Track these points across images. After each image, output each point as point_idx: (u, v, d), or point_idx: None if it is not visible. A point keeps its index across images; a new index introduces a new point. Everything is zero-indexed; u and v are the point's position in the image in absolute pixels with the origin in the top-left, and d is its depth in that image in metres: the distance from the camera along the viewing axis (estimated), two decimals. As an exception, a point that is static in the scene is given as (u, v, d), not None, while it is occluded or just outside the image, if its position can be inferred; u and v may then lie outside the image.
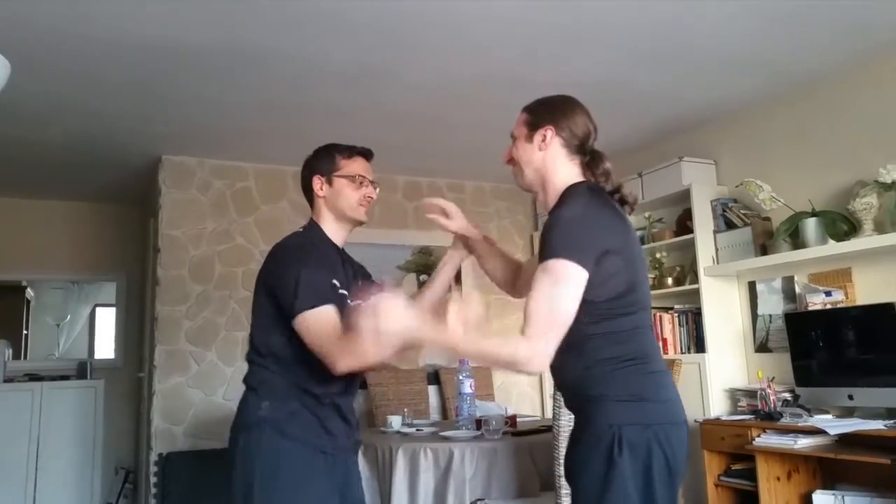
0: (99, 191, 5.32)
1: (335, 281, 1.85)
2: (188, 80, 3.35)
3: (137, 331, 5.49)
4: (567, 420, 2.69)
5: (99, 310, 6.44)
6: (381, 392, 4.39)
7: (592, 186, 1.65)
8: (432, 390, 4.70)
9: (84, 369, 5.22)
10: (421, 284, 5.08)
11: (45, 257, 5.42)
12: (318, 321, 1.73)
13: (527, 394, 5.28)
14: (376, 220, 4.66)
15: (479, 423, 3.24)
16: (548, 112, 1.69)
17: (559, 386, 1.70)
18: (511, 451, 2.93)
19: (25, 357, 5.64)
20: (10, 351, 5.20)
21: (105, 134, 4.07)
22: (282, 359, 1.81)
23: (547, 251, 1.52)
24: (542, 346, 1.47)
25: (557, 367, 1.64)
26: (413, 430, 3.31)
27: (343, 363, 1.68)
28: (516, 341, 1.49)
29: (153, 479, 4.06)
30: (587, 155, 1.69)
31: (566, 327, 1.49)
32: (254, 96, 3.59)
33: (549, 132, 1.66)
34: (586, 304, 1.53)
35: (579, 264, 1.48)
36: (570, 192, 1.64)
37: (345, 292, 1.89)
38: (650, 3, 2.80)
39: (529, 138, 1.69)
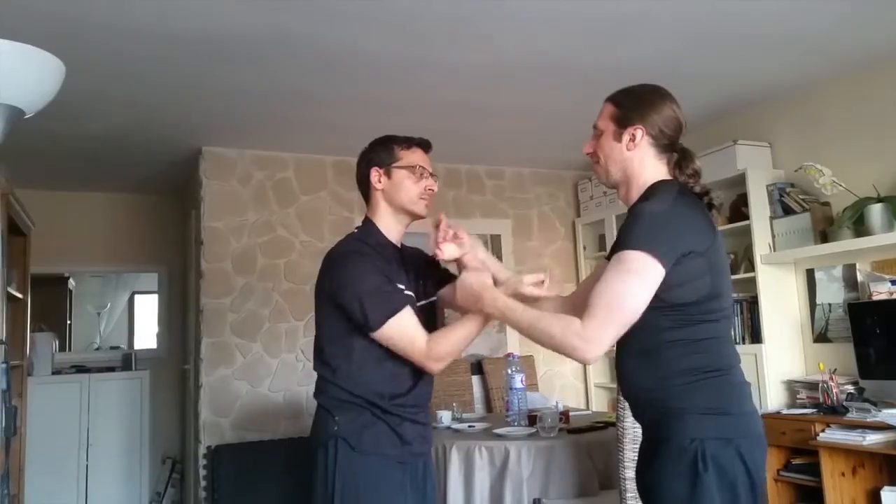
0: (139, 183, 5.33)
1: (399, 284, 1.79)
2: (228, 71, 3.29)
3: (180, 322, 5.52)
4: (631, 423, 2.63)
5: (137, 297, 6.51)
6: (425, 383, 4.35)
7: (681, 185, 1.56)
8: (476, 381, 4.66)
9: (129, 360, 5.28)
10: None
11: (87, 249, 5.45)
12: (401, 328, 1.70)
13: (571, 385, 5.21)
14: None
15: (531, 419, 3.19)
16: (637, 107, 1.58)
17: (628, 395, 1.60)
18: (568, 449, 2.87)
19: (70, 348, 5.71)
20: (57, 343, 5.26)
21: (145, 126, 4.04)
22: (349, 370, 1.77)
23: (624, 241, 1.45)
24: (597, 334, 1.40)
25: (628, 375, 1.58)
26: (465, 426, 3.27)
27: (435, 364, 1.71)
28: (572, 323, 1.42)
29: (202, 472, 4.08)
30: (676, 153, 1.59)
31: (629, 322, 1.42)
32: (292, 86, 3.52)
33: (640, 132, 1.56)
34: (666, 306, 1.45)
35: (657, 259, 1.40)
36: (658, 187, 1.55)
37: (410, 293, 1.83)
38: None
39: (617, 136, 1.59)
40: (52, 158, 4.59)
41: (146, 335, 6.01)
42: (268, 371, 4.43)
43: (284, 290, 4.52)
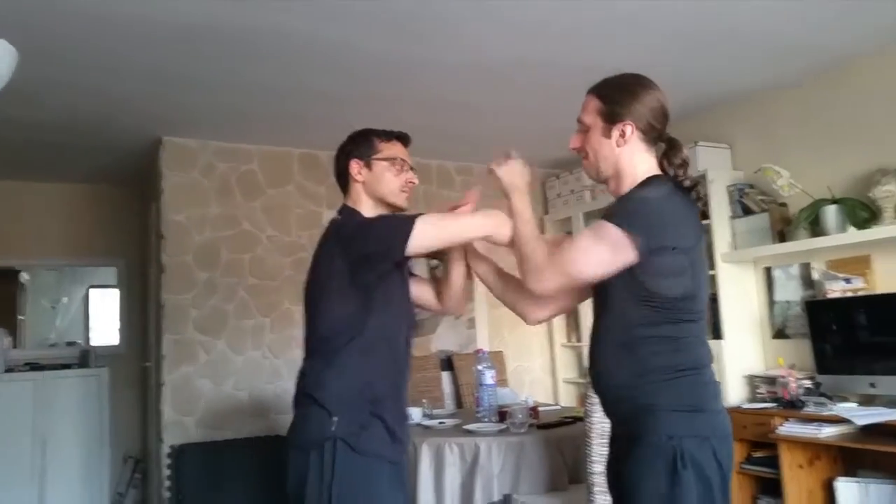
0: (97, 173, 5.17)
1: None
2: (192, 61, 3.21)
3: (140, 318, 5.40)
4: (599, 418, 2.68)
5: (93, 291, 6.33)
6: (393, 379, 4.35)
7: (674, 181, 1.56)
8: (445, 377, 4.68)
9: (87, 357, 5.13)
10: (431, 268, 5.06)
11: (41, 242, 5.28)
12: (437, 221, 1.80)
13: (540, 380, 5.27)
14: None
15: (501, 415, 3.22)
16: (624, 102, 1.57)
17: (601, 391, 1.61)
18: (538, 444, 2.92)
19: (23, 344, 5.52)
20: (9, 339, 5.08)
21: (103, 114, 3.91)
22: (353, 360, 1.72)
23: (609, 215, 1.48)
24: (549, 275, 1.52)
25: (603, 369, 1.58)
26: (435, 422, 3.28)
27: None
28: (544, 253, 1.56)
29: (166, 472, 4.01)
30: (664, 142, 1.60)
31: (576, 279, 1.52)
32: (257, 78, 3.46)
33: (630, 128, 1.56)
34: (650, 297, 1.47)
35: (631, 241, 1.43)
36: (652, 181, 1.56)
37: None
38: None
39: (606, 132, 1.58)
40: (2, 147, 4.42)
41: (103, 331, 5.86)
42: (232, 369, 4.36)
43: (250, 285, 4.45)
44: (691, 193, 1.56)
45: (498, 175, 1.74)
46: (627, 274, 1.48)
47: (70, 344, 5.67)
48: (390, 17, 2.87)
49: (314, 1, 2.70)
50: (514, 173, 1.74)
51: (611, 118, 1.58)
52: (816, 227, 3.53)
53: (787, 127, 3.88)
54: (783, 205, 3.82)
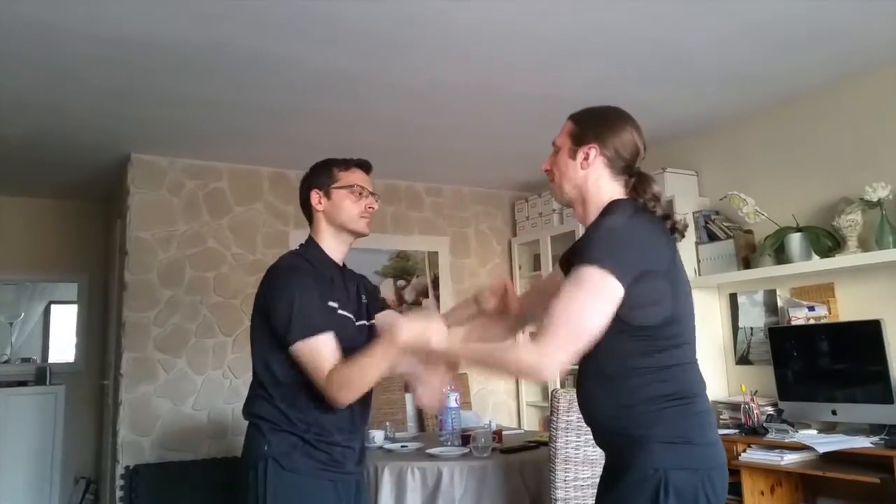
0: (61, 188, 5.08)
1: (332, 303, 1.79)
2: (161, 77, 3.18)
3: (100, 335, 5.27)
4: (563, 443, 2.65)
5: (54, 307, 6.18)
6: (358, 401, 4.28)
7: (639, 205, 1.53)
8: (409, 399, 4.61)
9: (43, 374, 4.99)
10: (398, 289, 5.02)
11: (2, 256, 5.15)
12: (312, 351, 1.68)
13: (504, 403, 5.23)
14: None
15: (464, 439, 3.18)
16: (595, 127, 1.57)
17: (589, 421, 1.58)
18: (501, 469, 2.87)
19: (-24, 360, 5.37)
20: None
21: (69, 129, 3.85)
22: (282, 388, 1.76)
23: (584, 256, 1.42)
24: (554, 351, 1.38)
25: (590, 401, 1.55)
26: (397, 446, 3.22)
27: (338, 394, 1.65)
28: (524, 345, 1.44)
29: (119, 493, 3.88)
30: (633, 176, 1.58)
31: (587, 341, 1.39)
32: (232, 96, 3.44)
33: (593, 151, 1.55)
34: (630, 329, 1.43)
35: (617, 278, 1.38)
36: (616, 204, 1.53)
37: (345, 313, 1.83)
38: (638, 20, 2.77)
39: (572, 154, 1.58)
40: (-35, 160, 4.33)
41: (62, 348, 5.71)
42: (192, 388, 4.26)
43: (213, 303, 4.38)
44: (665, 222, 1.54)
45: (408, 343, 1.61)
46: None
47: (25, 360, 5.51)
48: (375, 43, 2.88)
49: (296, 22, 2.69)
50: (414, 335, 1.60)
51: (578, 140, 1.57)
52: (781, 255, 3.56)
53: (754, 155, 3.94)
54: (749, 232, 3.86)
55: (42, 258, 5.29)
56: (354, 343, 1.77)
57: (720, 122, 4.06)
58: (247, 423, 1.80)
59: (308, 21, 2.69)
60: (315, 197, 1.90)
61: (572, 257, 1.52)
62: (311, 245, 1.91)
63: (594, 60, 3.15)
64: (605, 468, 1.58)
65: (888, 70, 3.32)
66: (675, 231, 1.55)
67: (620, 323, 1.42)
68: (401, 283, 5.01)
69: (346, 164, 1.93)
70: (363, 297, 1.96)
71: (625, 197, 1.56)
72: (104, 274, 5.28)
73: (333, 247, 1.91)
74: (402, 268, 5.01)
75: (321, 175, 1.91)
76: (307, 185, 1.93)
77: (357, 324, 1.87)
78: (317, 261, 1.86)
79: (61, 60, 2.97)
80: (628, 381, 1.46)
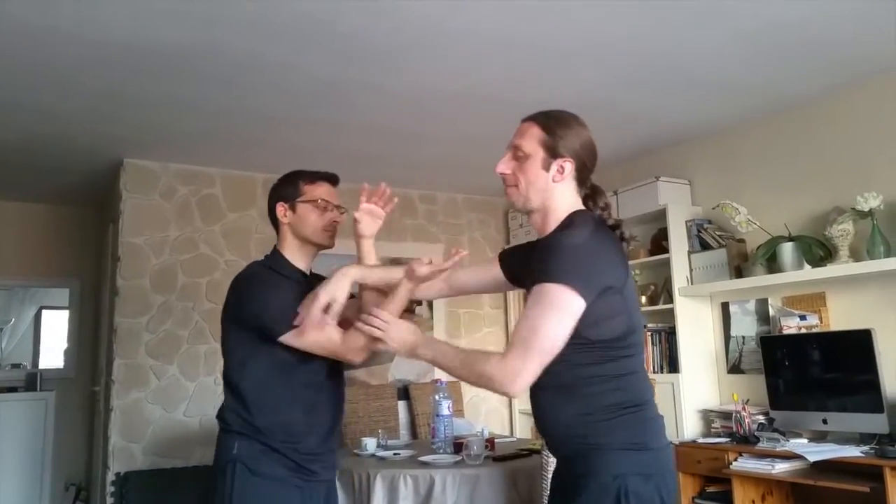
0: (54, 193, 5.06)
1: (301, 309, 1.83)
2: (154, 81, 3.17)
3: (91, 341, 5.24)
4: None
5: (45, 312, 6.15)
6: (350, 409, 4.27)
7: (597, 218, 1.59)
8: (402, 406, 4.61)
9: (33, 380, 4.96)
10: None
11: (-7, 261, 5.13)
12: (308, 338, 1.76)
13: (496, 410, 5.23)
14: (345, 231, 4.56)
15: (457, 446, 3.17)
16: (568, 138, 1.56)
17: (544, 431, 1.60)
18: (493, 477, 2.86)
19: (-35, 365, 5.33)
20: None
21: (61, 134, 3.84)
22: (252, 396, 1.81)
23: (546, 273, 1.44)
24: (519, 366, 1.41)
25: (544, 411, 1.57)
26: (390, 453, 3.21)
27: (358, 354, 1.77)
28: (492, 357, 1.46)
29: (110, 500, 3.86)
30: (588, 188, 1.62)
31: (551, 355, 1.43)
32: (225, 101, 3.44)
33: (570, 165, 1.56)
34: (586, 343, 1.46)
35: (579, 294, 1.41)
36: (575, 218, 1.56)
37: None
38: (633, 27, 2.79)
39: (546, 165, 1.56)
40: (-43, 164, 4.31)
41: (53, 354, 5.67)
42: (184, 395, 4.25)
43: (206, 309, 4.36)
44: (615, 231, 1.59)
45: (390, 346, 1.69)
46: None
47: (15, 366, 5.47)
48: (377, 48, 2.88)
49: (291, 29, 2.69)
50: (397, 337, 1.67)
51: (554, 152, 1.56)
52: (773, 264, 3.58)
53: (747, 164, 3.96)
54: (741, 241, 3.88)
55: (33, 263, 5.26)
56: None
57: (713, 131, 4.08)
58: (218, 425, 1.85)
59: (302, 27, 2.70)
60: (281, 210, 1.95)
61: (529, 268, 1.53)
62: (275, 255, 1.97)
63: (588, 68, 3.16)
64: (560, 476, 1.59)
65: (881, 80, 3.34)
66: (624, 240, 1.60)
67: (578, 337, 1.45)
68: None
69: (313, 178, 1.97)
70: None
71: (581, 208, 1.60)
72: (96, 279, 5.26)
73: (298, 257, 1.97)
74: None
75: (287, 188, 1.96)
76: (274, 196, 1.98)
77: None
78: (281, 269, 1.93)
79: (54, 64, 2.96)
80: (585, 390, 1.49)
